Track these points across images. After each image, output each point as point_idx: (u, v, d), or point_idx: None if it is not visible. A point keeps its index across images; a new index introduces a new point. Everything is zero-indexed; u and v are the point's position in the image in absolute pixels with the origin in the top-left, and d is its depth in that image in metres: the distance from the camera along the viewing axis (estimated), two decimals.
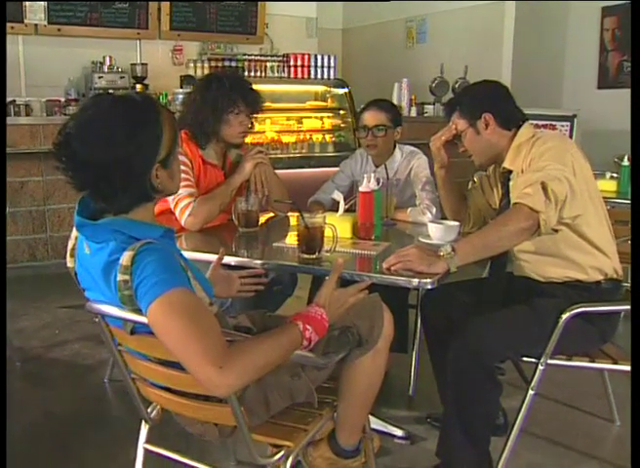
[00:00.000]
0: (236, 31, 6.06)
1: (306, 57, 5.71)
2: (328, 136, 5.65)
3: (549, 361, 1.91)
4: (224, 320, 1.42)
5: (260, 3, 6.04)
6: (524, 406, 1.95)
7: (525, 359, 1.97)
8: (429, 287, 1.69)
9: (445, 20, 6.15)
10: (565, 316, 1.86)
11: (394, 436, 2.32)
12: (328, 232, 1.89)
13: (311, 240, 1.84)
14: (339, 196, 2.20)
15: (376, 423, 2.30)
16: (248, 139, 5.13)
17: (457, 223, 2.14)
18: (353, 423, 1.71)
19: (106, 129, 1.27)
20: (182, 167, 2.31)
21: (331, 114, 5.73)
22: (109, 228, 1.30)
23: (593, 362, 1.97)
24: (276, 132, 5.42)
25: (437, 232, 2.09)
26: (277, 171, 2.65)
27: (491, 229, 1.86)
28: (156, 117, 1.33)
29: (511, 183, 2.08)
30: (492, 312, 1.97)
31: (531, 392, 1.93)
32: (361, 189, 2.15)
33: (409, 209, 2.54)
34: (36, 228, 4.49)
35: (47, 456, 2.22)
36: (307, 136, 5.56)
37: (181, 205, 2.29)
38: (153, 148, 1.32)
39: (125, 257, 1.23)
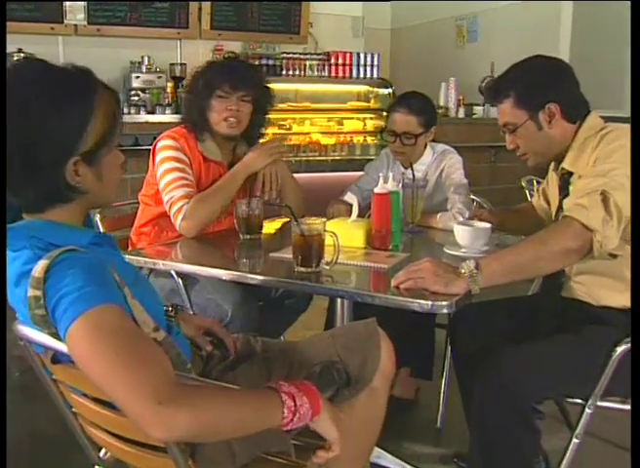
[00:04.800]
0: (279, 31, 5.84)
1: (348, 55, 5.44)
2: (370, 139, 5.35)
3: (599, 403, 1.56)
4: (174, 349, 1.14)
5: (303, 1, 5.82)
6: (568, 453, 1.61)
7: (569, 399, 1.63)
8: (445, 311, 1.37)
9: (497, 18, 5.78)
10: (620, 349, 1.51)
11: None
12: (329, 241, 1.59)
13: (307, 250, 1.54)
14: (352, 199, 1.91)
15: (392, 462, 2.00)
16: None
17: (488, 225, 1.80)
18: None
19: (17, 97, 1.02)
20: (179, 164, 2.08)
21: (373, 115, 5.43)
22: (25, 233, 1.05)
23: None
24: (315, 133, 5.15)
25: (464, 235, 1.77)
26: (315, 174, 2.36)
27: (528, 246, 1.51)
28: (87, 97, 1.07)
29: (571, 188, 1.70)
30: (532, 341, 1.62)
31: (575, 441, 1.58)
32: (376, 190, 1.84)
33: (439, 214, 2.22)
34: None
35: None
36: (348, 138, 5.27)
37: (175, 208, 2.03)
38: (73, 135, 1.05)
39: (38, 268, 0.98)
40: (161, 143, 2.13)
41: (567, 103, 1.68)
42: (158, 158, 2.11)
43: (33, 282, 0.98)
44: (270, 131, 4.95)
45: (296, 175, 2.39)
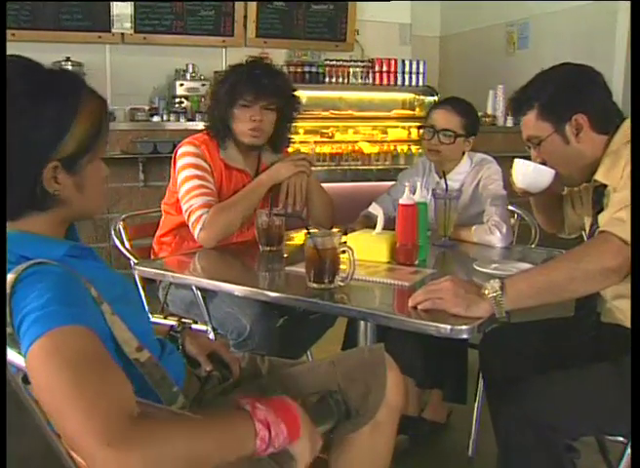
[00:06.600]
0: (325, 38, 5.78)
1: (392, 62, 5.32)
2: (414, 148, 5.21)
3: None
4: (159, 371, 1.05)
5: (350, 7, 5.73)
6: None
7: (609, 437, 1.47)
8: (465, 336, 1.24)
9: (549, 23, 5.55)
10: None
11: None
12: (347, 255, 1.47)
13: (321, 265, 1.43)
14: (377, 210, 1.79)
15: None
16: (327, 149, 4.94)
17: (552, 170, 1.64)
18: None
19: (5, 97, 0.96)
20: (199, 172, 2.00)
21: (419, 124, 5.27)
22: None
23: None
24: (359, 141, 5.05)
25: (525, 171, 1.64)
26: (358, 183, 2.26)
27: (560, 265, 1.37)
28: (71, 99, 1.00)
29: (605, 202, 1.56)
30: (566, 370, 1.47)
31: None
32: (401, 201, 1.71)
33: (474, 226, 2.09)
34: (100, 237, 4.35)
35: None
36: (392, 147, 5.15)
37: (193, 217, 1.95)
38: (52, 136, 0.98)
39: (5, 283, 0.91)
40: (181, 150, 2.07)
41: (596, 114, 1.54)
42: (178, 165, 2.05)
43: None
44: (312, 138, 4.90)
45: (337, 184, 2.29)
